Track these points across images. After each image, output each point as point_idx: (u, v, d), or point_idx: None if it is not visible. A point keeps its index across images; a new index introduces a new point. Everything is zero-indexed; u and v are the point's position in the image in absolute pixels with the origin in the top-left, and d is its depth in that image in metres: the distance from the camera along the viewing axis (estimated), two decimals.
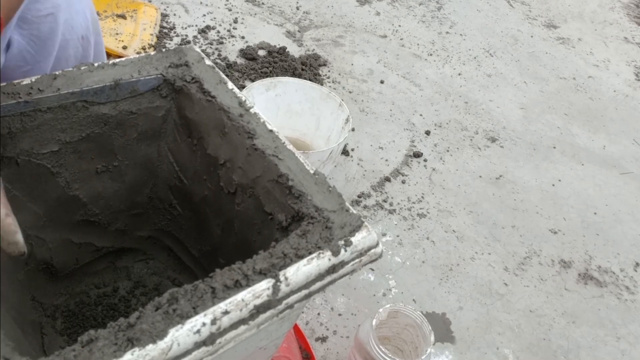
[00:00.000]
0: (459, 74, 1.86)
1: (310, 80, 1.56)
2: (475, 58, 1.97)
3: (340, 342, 1.01)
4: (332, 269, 0.46)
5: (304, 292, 0.45)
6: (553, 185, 1.50)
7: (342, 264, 0.47)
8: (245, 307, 0.41)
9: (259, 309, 0.42)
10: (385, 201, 1.32)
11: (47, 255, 0.67)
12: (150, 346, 0.37)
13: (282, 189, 0.53)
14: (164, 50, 0.64)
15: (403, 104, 1.66)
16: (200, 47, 1.66)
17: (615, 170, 1.61)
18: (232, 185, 0.61)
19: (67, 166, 0.62)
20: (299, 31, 1.87)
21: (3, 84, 0.55)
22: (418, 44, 1.97)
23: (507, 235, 1.31)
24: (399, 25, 2.05)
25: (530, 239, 1.32)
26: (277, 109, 1.36)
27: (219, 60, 1.61)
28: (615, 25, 2.41)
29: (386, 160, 1.45)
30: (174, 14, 1.77)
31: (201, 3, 1.86)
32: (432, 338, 0.83)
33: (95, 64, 0.60)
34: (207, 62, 0.64)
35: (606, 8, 2.55)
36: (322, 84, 1.64)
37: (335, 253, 0.46)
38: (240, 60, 1.65)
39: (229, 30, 1.77)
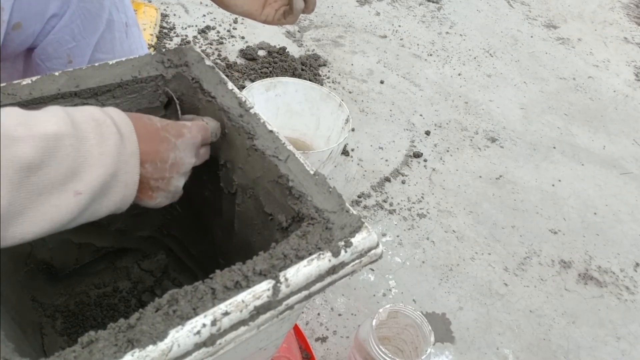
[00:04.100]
0: (459, 74, 1.86)
1: (310, 80, 1.56)
2: (475, 58, 1.97)
3: (340, 342, 1.01)
4: (332, 270, 0.46)
5: (304, 293, 0.45)
6: (553, 185, 1.50)
7: (342, 264, 0.47)
8: (245, 308, 0.41)
9: (259, 310, 0.42)
10: (385, 201, 1.32)
11: (47, 255, 0.67)
12: (150, 347, 0.37)
13: (282, 190, 0.53)
14: (164, 50, 0.64)
15: (403, 104, 1.66)
16: (200, 47, 1.66)
17: (615, 170, 1.61)
18: (232, 186, 0.61)
19: None
20: (298, 31, 1.87)
21: (3, 84, 0.55)
22: (418, 44, 1.97)
23: (507, 235, 1.31)
24: (399, 26, 2.05)
25: (530, 239, 1.32)
26: (277, 109, 1.36)
27: (219, 61, 1.61)
28: (615, 26, 2.41)
29: (386, 160, 1.45)
30: (174, 14, 1.77)
31: (201, 3, 1.86)
32: (432, 338, 0.83)
33: (97, 64, 0.60)
34: (207, 62, 0.64)
35: (606, 8, 2.55)
36: (322, 84, 1.64)
37: (336, 254, 0.46)
38: (240, 61, 1.65)
39: (228, 31, 1.77)
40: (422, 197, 1.36)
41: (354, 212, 0.49)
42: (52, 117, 0.42)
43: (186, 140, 0.53)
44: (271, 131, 0.58)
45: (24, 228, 0.40)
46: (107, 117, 0.46)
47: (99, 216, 0.47)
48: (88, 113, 0.46)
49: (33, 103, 0.56)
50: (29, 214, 0.40)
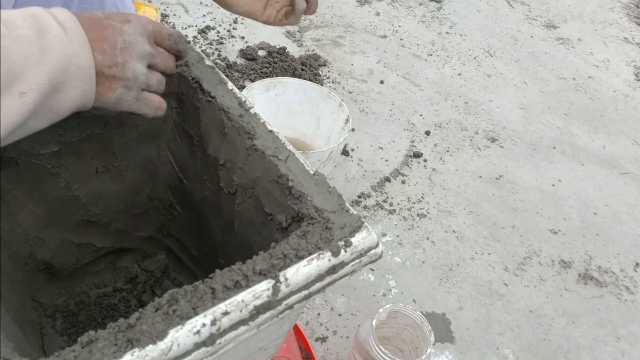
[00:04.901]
0: (459, 74, 1.86)
1: (310, 80, 1.56)
2: (475, 58, 1.97)
3: (340, 342, 1.01)
4: (332, 270, 0.46)
5: (304, 292, 0.45)
6: (553, 185, 1.50)
7: (342, 264, 0.47)
8: (245, 307, 0.41)
9: (259, 310, 0.42)
10: (385, 201, 1.32)
11: (47, 255, 0.67)
12: (150, 347, 0.37)
13: (282, 190, 0.53)
14: None
15: (403, 104, 1.66)
16: (200, 47, 1.66)
17: (615, 170, 1.61)
18: (232, 186, 0.61)
19: (67, 166, 0.62)
20: (298, 31, 1.87)
21: None
22: (418, 44, 1.97)
23: (507, 235, 1.31)
24: (399, 26, 2.05)
25: (530, 239, 1.32)
26: (277, 109, 1.36)
27: (218, 61, 1.61)
28: (615, 26, 2.41)
29: (386, 160, 1.45)
30: (174, 14, 1.77)
31: (201, 3, 1.86)
32: (432, 338, 0.83)
33: None
34: (207, 62, 0.64)
35: (606, 8, 2.55)
36: (322, 84, 1.64)
37: (335, 254, 0.46)
38: (240, 61, 1.65)
39: (228, 31, 1.77)
40: (422, 197, 1.36)
41: (354, 212, 0.49)
42: None
43: (133, 25, 0.50)
44: (271, 131, 0.58)
45: None
46: (45, 12, 0.44)
47: (61, 114, 0.46)
48: (25, 10, 0.44)
49: None
50: None
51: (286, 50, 1.71)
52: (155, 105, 0.53)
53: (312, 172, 0.53)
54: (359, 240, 0.48)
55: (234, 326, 0.40)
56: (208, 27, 1.74)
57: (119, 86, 0.49)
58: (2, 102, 0.40)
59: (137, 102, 0.51)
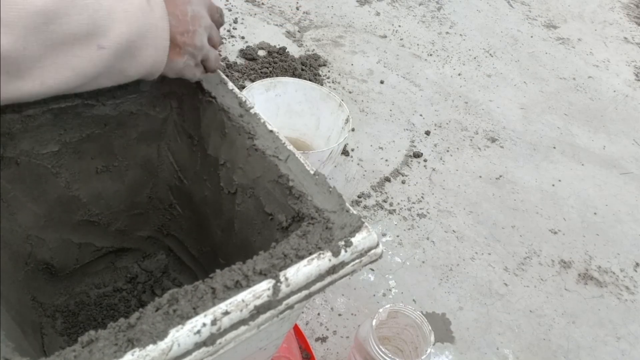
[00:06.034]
0: (459, 74, 1.86)
1: (310, 80, 1.56)
2: (475, 58, 1.97)
3: (340, 342, 1.01)
4: (333, 270, 0.46)
5: (304, 292, 0.45)
6: (553, 185, 1.50)
7: (343, 264, 0.47)
8: (245, 307, 0.41)
9: (259, 310, 0.42)
10: (385, 201, 1.32)
11: (47, 255, 0.67)
12: (150, 347, 0.37)
13: (282, 190, 0.53)
14: None
15: (403, 104, 1.66)
16: None
17: (615, 170, 1.61)
18: (232, 186, 0.61)
19: (67, 166, 0.62)
20: (299, 31, 1.87)
21: None
22: (418, 44, 1.97)
23: (507, 235, 1.31)
24: (399, 26, 2.05)
25: (530, 239, 1.32)
26: (277, 109, 1.36)
27: None
28: (615, 26, 2.41)
29: (386, 160, 1.45)
30: None
31: None
32: (432, 338, 0.83)
33: None
34: None
35: (606, 8, 2.55)
36: (322, 84, 1.64)
37: (336, 254, 0.46)
38: (240, 61, 1.65)
39: (228, 31, 1.76)
40: (422, 197, 1.36)
41: (354, 212, 0.49)
42: None
43: None
44: (271, 131, 0.58)
45: (45, 72, 0.42)
46: None
47: (130, 77, 0.49)
48: None
49: (33, 103, 0.56)
50: (49, 59, 0.41)
51: (286, 50, 1.71)
52: (212, 68, 0.57)
53: (312, 172, 0.53)
54: (359, 240, 0.48)
55: (234, 326, 0.40)
56: None
57: (187, 52, 0.52)
58: (80, 49, 0.42)
59: (197, 68, 0.55)
